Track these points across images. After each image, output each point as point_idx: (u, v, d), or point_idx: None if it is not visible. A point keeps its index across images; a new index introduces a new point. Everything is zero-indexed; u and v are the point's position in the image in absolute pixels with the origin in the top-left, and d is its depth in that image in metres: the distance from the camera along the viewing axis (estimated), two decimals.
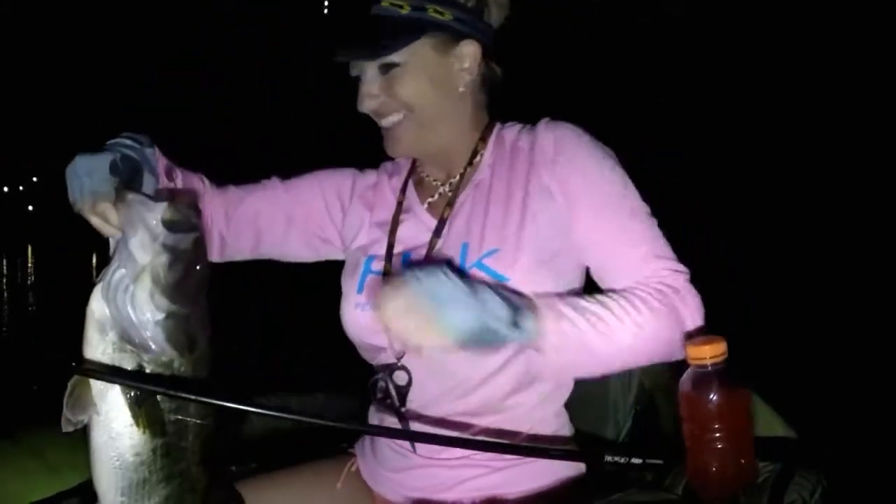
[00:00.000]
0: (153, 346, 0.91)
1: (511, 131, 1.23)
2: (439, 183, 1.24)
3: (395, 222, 1.23)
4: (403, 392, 1.16)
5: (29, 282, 15.68)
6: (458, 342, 0.92)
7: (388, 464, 1.21)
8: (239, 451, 1.42)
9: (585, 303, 1.03)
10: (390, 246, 1.21)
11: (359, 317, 1.20)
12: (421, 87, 1.15)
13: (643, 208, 1.14)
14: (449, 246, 1.16)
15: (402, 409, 1.16)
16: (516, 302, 0.96)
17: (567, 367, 1.07)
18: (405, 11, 1.14)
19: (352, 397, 1.53)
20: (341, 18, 1.20)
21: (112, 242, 0.98)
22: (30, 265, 20.60)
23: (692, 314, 1.06)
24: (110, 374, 0.90)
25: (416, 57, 1.14)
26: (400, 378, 1.16)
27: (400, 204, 1.25)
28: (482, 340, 0.93)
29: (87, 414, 0.91)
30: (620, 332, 1.01)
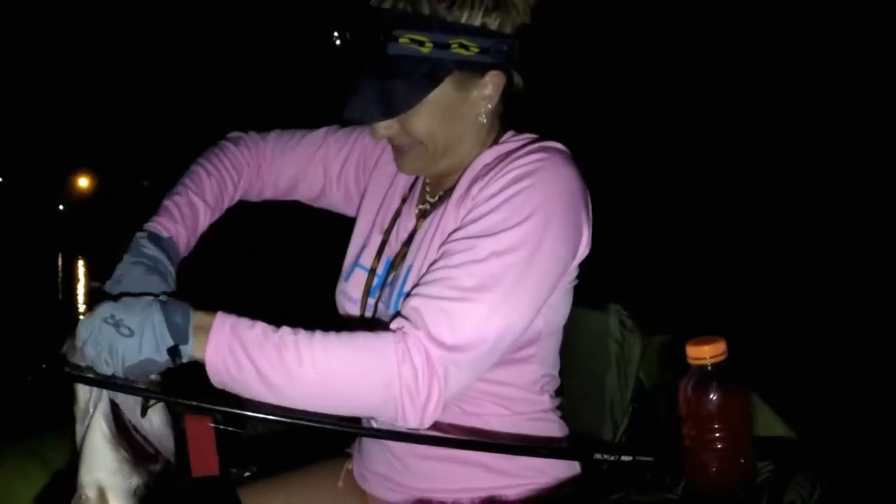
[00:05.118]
0: (168, 455, 0.98)
1: (493, 152, 1.12)
2: (428, 196, 1.21)
3: (393, 221, 1.23)
4: None
5: None
6: (124, 372, 0.90)
7: (374, 462, 1.21)
8: (238, 455, 1.42)
9: (272, 339, 0.92)
10: (383, 243, 1.22)
11: (343, 304, 1.23)
12: (436, 124, 1.07)
13: (500, 273, 0.97)
14: (406, 263, 1.15)
15: None
16: (182, 330, 0.90)
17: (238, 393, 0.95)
18: (426, 50, 1.01)
19: None
20: (352, 63, 1.05)
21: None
22: None
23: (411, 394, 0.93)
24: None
25: (435, 96, 1.04)
26: None
27: (403, 201, 1.25)
28: (145, 369, 0.91)
29: None
30: (288, 381, 0.91)
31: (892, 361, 4.08)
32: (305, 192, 1.38)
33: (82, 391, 0.92)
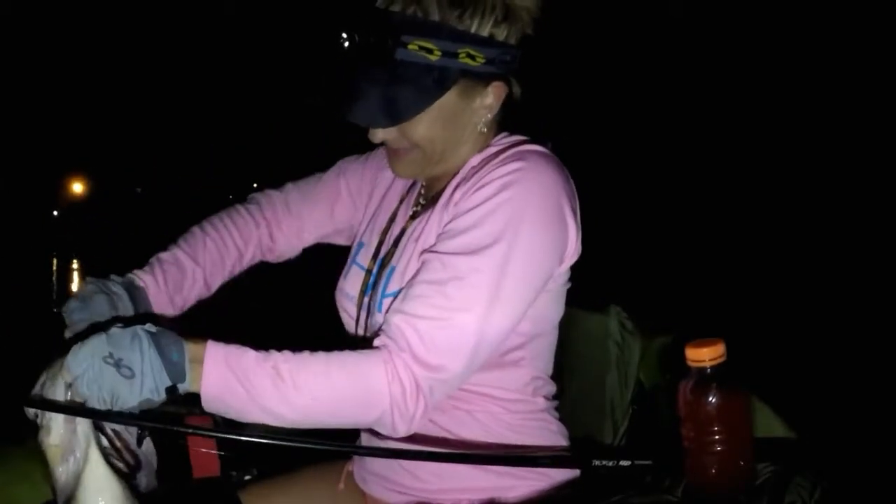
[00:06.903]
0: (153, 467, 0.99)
1: (481, 154, 1.12)
2: (422, 198, 1.22)
3: (390, 222, 1.24)
4: None
5: None
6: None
7: (375, 464, 1.21)
8: (239, 458, 1.42)
9: (265, 367, 0.92)
10: (380, 244, 1.23)
11: (342, 301, 1.25)
12: (436, 130, 1.07)
13: (477, 291, 0.98)
14: (391, 264, 1.15)
15: None
16: (180, 368, 0.89)
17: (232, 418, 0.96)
18: (434, 58, 1.01)
19: None
20: (358, 67, 1.04)
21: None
22: None
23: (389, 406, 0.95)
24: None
25: (438, 103, 1.04)
26: None
27: (401, 202, 1.26)
28: (141, 409, 0.89)
29: None
30: (284, 408, 0.93)
31: (892, 361, 4.09)
32: (342, 217, 1.36)
33: (60, 429, 0.88)
